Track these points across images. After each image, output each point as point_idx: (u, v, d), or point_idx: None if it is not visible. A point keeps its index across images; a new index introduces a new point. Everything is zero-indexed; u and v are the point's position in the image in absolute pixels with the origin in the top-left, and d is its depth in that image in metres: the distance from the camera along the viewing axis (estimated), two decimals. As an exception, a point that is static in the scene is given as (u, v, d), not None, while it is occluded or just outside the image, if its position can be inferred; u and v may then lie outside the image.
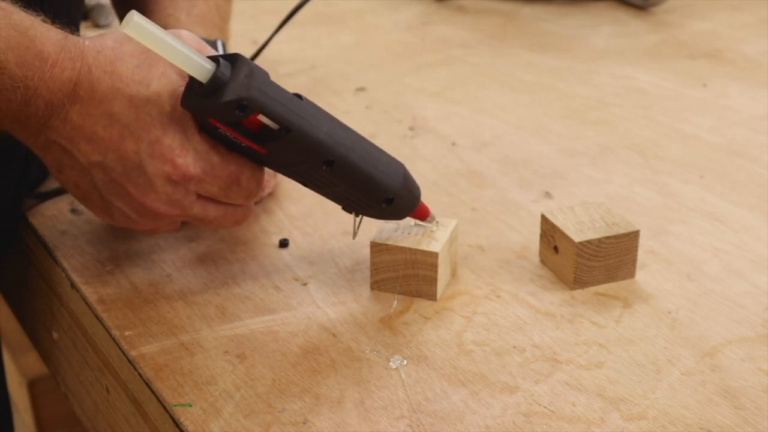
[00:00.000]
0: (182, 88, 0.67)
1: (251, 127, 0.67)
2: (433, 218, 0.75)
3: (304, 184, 0.71)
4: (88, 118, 0.66)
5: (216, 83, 0.64)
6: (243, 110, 0.65)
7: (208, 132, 0.68)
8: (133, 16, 0.62)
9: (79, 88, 0.65)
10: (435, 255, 0.72)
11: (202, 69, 0.64)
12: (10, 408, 0.91)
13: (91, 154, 0.67)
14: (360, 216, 0.74)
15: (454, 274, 0.77)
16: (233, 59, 0.66)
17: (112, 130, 0.66)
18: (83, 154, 0.67)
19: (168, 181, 0.67)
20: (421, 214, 0.75)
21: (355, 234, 0.74)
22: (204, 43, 0.70)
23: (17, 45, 0.63)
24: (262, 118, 0.66)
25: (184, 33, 0.69)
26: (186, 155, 0.67)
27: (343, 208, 0.73)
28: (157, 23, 0.64)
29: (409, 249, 0.73)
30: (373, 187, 0.70)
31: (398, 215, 0.73)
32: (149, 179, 0.67)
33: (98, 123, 0.66)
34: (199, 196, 0.70)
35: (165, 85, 0.66)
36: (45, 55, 0.64)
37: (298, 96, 0.68)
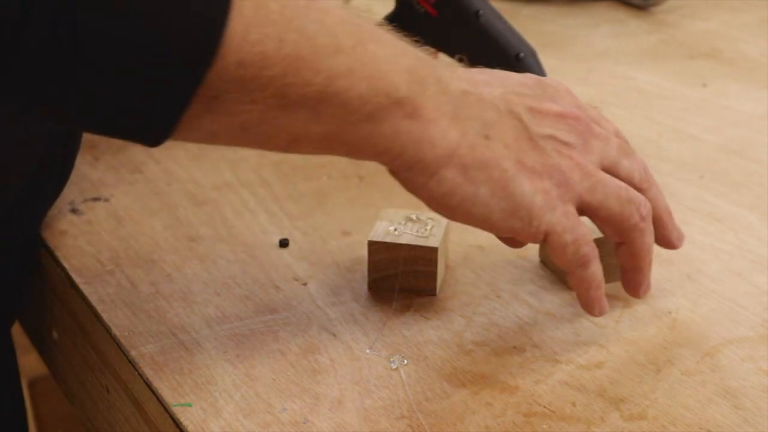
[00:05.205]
0: None
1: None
2: None
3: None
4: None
5: None
6: None
7: None
8: None
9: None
10: (434, 250, 0.72)
11: None
12: (25, 408, 0.91)
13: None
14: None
15: (447, 266, 0.77)
16: None
17: None
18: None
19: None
20: None
21: None
22: None
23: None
24: None
25: None
26: None
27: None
28: None
29: (408, 246, 0.73)
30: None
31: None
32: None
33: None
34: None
35: None
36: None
37: None
